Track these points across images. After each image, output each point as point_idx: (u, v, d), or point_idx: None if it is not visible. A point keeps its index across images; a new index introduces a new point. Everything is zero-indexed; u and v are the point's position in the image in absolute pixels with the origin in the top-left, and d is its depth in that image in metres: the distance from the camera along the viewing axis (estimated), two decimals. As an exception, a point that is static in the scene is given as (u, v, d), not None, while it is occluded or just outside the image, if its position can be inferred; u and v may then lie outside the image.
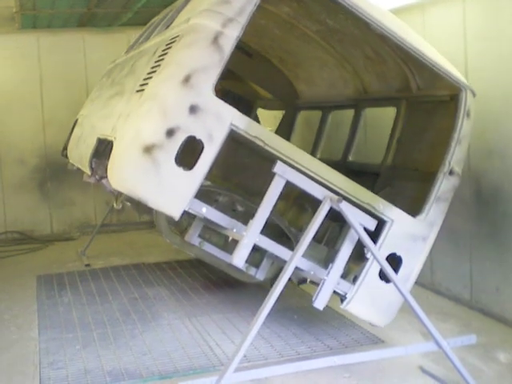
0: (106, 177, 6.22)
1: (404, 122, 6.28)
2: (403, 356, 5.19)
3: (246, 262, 5.98)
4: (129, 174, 4.37)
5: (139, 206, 6.51)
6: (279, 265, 6.09)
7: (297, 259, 4.59)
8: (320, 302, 4.92)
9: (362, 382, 5.03)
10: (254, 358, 5.42)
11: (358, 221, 4.74)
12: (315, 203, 4.75)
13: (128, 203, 6.58)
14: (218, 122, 4.43)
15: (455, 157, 5.30)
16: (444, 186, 5.27)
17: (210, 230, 5.92)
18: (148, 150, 4.29)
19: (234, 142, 6.75)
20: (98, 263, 9.22)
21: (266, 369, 4.75)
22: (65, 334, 6.34)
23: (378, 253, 4.76)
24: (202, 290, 7.56)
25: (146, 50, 5.75)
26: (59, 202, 11.40)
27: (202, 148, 4.39)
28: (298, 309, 4.92)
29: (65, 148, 8.12)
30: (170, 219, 6.14)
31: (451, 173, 5.27)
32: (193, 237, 5.83)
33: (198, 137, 4.37)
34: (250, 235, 4.65)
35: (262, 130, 4.65)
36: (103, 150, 5.48)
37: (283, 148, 4.68)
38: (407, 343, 5.51)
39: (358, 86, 6.94)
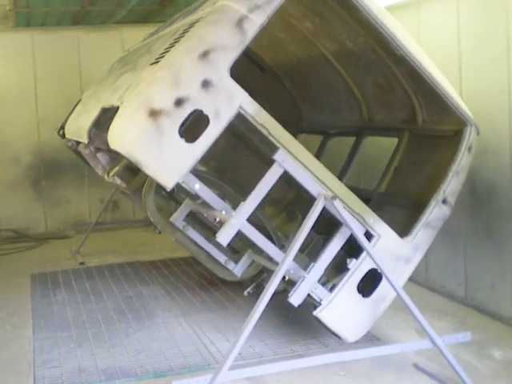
0: (102, 149, 6.20)
1: (404, 153, 6.21)
2: (398, 353, 5.20)
3: (227, 255, 5.98)
4: (130, 135, 4.35)
5: (130, 184, 6.42)
6: (258, 265, 6.07)
7: (292, 254, 4.55)
8: (296, 298, 4.83)
9: (357, 379, 5.03)
10: (248, 356, 5.41)
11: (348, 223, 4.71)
12: (306, 210, 4.71)
13: (118, 179, 6.48)
14: (228, 101, 4.44)
15: (451, 187, 5.29)
16: (435, 214, 5.23)
17: (196, 221, 5.89)
18: (154, 114, 4.29)
19: (235, 137, 6.74)
20: (93, 261, 9.21)
21: (261, 367, 4.75)
22: (59, 333, 6.33)
23: (371, 249, 4.75)
24: (197, 288, 7.55)
25: (166, 34, 5.73)
26: (53, 200, 11.37)
27: (207, 124, 4.39)
28: (292, 307, 4.90)
29: (62, 127, 8.04)
30: (157, 203, 6.09)
31: (444, 202, 5.24)
32: (178, 219, 5.78)
33: (205, 112, 4.37)
34: (239, 216, 4.59)
35: (269, 119, 4.63)
36: (105, 121, 5.48)
37: (286, 141, 4.66)
38: (402, 341, 5.52)
39: (363, 113, 6.85)
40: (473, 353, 5.33)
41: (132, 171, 6.33)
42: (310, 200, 4.76)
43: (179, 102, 4.32)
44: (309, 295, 4.94)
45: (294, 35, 6.64)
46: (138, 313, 6.80)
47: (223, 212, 4.82)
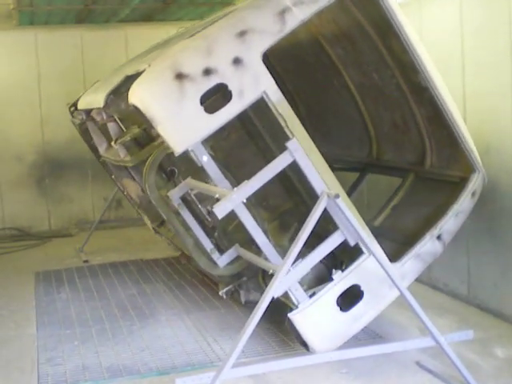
0: (114, 120, 6.18)
1: (405, 193, 6.17)
2: (401, 351, 5.19)
3: (213, 244, 5.95)
4: (152, 92, 4.40)
5: (133, 156, 6.41)
6: (242, 264, 6.04)
7: (297, 250, 4.50)
8: (276, 289, 4.61)
9: (360, 377, 5.03)
10: (251, 354, 5.43)
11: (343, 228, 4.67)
12: (301, 222, 4.68)
13: (123, 150, 6.46)
14: (254, 83, 4.49)
15: (448, 226, 5.24)
16: (428, 247, 5.15)
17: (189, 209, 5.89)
18: (180, 77, 4.34)
19: (248, 135, 6.69)
20: (96, 259, 9.23)
21: (263, 365, 4.76)
22: (63, 330, 6.35)
23: (372, 245, 4.72)
24: (200, 286, 7.56)
25: (204, 23, 5.78)
26: (57, 199, 11.39)
27: (229, 100, 4.43)
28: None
29: (73, 104, 8.17)
30: (157, 183, 6.02)
31: (439, 238, 5.17)
32: (175, 195, 5.74)
33: (230, 87, 4.42)
34: (240, 193, 4.53)
35: (289, 110, 4.65)
36: (126, 90, 5.55)
37: (301, 135, 4.65)
38: (405, 339, 5.52)
39: (372, 151, 6.79)
40: (475, 351, 5.33)
41: (138, 144, 6.32)
42: (305, 213, 4.71)
43: (207, 72, 4.38)
44: (287, 297, 4.85)
45: (322, 61, 6.64)
46: (141, 310, 6.82)
47: (224, 188, 4.78)
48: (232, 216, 6.20)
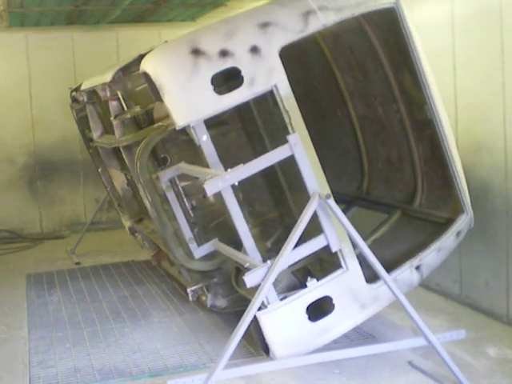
0: (117, 99, 6.22)
1: (388, 228, 6.09)
2: (393, 351, 5.20)
3: (193, 234, 5.93)
4: (166, 61, 4.48)
5: (128, 136, 6.38)
6: (216, 263, 6.03)
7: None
8: (251, 278, 4.52)
9: (352, 377, 5.04)
10: (243, 355, 5.42)
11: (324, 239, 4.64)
12: (284, 233, 4.63)
13: (120, 127, 6.43)
14: (267, 75, 4.54)
15: (428, 260, 5.20)
16: (405, 275, 5.08)
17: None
18: (196, 53, 4.41)
19: (247, 136, 6.65)
20: (88, 261, 9.21)
21: (256, 366, 4.75)
22: (55, 333, 6.33)
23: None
24: (193, 287, 7.54)
25: None
26: (49, 201, 11.35)
27: (240, 85, 4.47)
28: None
29: (75, 89, 8.29)
30: (148, 168, 5.99)
31: (418, 268, 5.11)
32: (165, 176, 5.73)
33: (243, 73, 4.47)
34: (233, 174, 4.48)
35: (296, 108, 4.66)
36: (136, 69, 5.57)
37: (302, 134, 4.64)
38: (397, 339, 5.52)
39: (362, 186, 6.77)
40: (467, 350, 5.34)
41: (137, 125, 6.33)
42: (289, 225, 4.66)
43: (224, 53, 4.45)
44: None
45: (330, 89, 6.66)
46: (133, 312, 6.81)
47: (217, 170, 4.72)
48: (214, 214, 6.19)
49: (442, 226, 5.54)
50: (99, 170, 8.68)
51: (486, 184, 5.99)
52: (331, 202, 4.54)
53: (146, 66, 4.50)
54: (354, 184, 6.85)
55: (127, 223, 8.60)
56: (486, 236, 6.05)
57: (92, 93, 7.39)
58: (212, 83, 4.41)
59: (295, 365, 4.80)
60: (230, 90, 4.48)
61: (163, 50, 4.63)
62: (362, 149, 6.69)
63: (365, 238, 5.36)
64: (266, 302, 4.63)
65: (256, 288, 4.54)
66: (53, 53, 11.09)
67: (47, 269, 8.92)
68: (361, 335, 5.74)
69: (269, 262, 4.52)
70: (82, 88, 7.62)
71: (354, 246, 4.78)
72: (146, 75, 4.50)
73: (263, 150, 6.53)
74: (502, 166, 5.79)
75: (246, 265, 4.66)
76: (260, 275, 4.50)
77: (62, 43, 11.17)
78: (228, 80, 4.52)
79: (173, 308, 6.84)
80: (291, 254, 4.59)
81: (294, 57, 4.79)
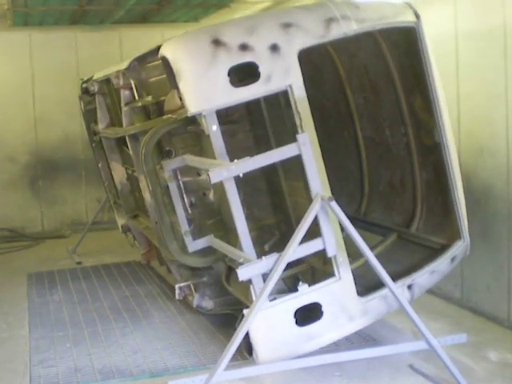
0: (129, 88, 6.36)
1: (383, 249, 6.05)
2: (394, 354, 5.18)
3: (190, 227, 5.94)
4: (186, 47, 4.56)
5: (135, 124, 6.43)
6: (209, 261, 6.03)
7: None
8: (244, 272, 4.50)
9: (353, 380, 5.03)
10: (244, 357, 5.40)
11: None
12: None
13: (130, 114, 6.53)
14: (284, 74, 4.60)
15: (421, 280, 5.18)
16: (396, 293, 4.97)
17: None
18: (217, 43, 4.49)
19: (254, 139, 6.65)
20: (89, 261, 9.21)
21: (256, 367, 4.73)
22: (55, 333, 6.33)
23: (369, 252, 4.72)
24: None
25: None
26: (50, 200, 11.36)
27: (256, 80, 4.53)
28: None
29: (86, 81, 8.38)
30: (154, 155, 6.00)
31: (409, 287, 5.08)
32: (169, 165, 5.81)
33: (260, 69, 4.53)
34: (240, 165, 4.51)
35: (308, 111, 4.70)
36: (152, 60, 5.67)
37: (311, 136, 4.68)
38: (398, 342, 5.50)
39: (361, 208, 6.77)
40: (468, 354, 5.34)
41: (146, 115, 6.36)
42: (285, 232, 4.63)
43: (244, 47, 4.52)
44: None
45: (340, 109, 6.68)
46: (134, 312, 6.80)
47: (222, 160, 4.75)
48: (212, 213, 6.19)
49: (437, 251, 5.54)
50: (99, 164, 8.80)
51: (488, 187, 5.98)
52: (334, 204, 4.55)
53: (166, 50, 4.57)
54: (352, 205, 6.84)
55: (121, 221, 8.69)
56: (487, 239, 6.05)
57: (103, 83, 7.51)
58: (228, 75, 4.46)
59: (296, 366, 4.80)
60: (246, 84, 4.53)
61: (184, 37, 4.70)
62: (365, 170, 6.71)
63: (358, 257, 5.42)
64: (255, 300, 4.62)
65: (245, 287, 4.53)
66: (56, 52, 11.10)
67: (48, 268, 8.92)
68: (362, 338, 5.74)
69: (264, 258, 4.54)
70: (95, 77, 7.72)
71: (352, 255, 4.80)
72: (164, 60, 4.57)
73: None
74: (505, 169, 5.79)
75: (241, 260, 4.67)
76: (253, 270, 4.52)
77: (65, 43, 11.18)
78: (243, 78, 4.56)
79: (174, 308, 6.84)
80: (287, 253, 4.60)
81: (308, 74, 4.80)
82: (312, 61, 4.91)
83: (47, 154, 11.24)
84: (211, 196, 6.20)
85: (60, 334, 6.27)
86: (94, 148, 8.87)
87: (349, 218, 6.14)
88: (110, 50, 11.04)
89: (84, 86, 8.48)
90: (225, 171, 4.45)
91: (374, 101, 6.22)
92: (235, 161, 4.52)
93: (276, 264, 4.53)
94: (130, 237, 8.47)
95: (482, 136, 6.03)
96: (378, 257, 5.73)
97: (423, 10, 6.63)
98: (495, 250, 5.96)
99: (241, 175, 4.52)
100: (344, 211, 4.80)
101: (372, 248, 5.86)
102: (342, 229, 4.86)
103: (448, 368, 4.72)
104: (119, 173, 8.17)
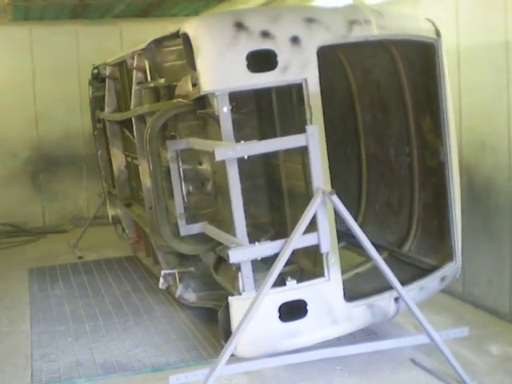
0: (143, 70, 6.47)
1: (373, 266, 5.80)
2: (395, 348, 5.16)
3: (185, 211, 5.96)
4: (208, 26, 4.61)
5: (144, 105, 6.46)
6: (200, 250, 6.04)
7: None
8: (235, 254, 4.55)
9: (354, 374, 5.04)
10: (246, 351, 5.41)
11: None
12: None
13: (139, 96, 6.61)
14: (301, 67, 4.63)
15: (409, 295, 5.08)
16: (382, 303, 4.99)
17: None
18: (239, 27, 4.54)
19: (260, 137, 6.63)
20: (91, 256, 9.22)
21: (258, 361, 4.73)
22: (57, 327, 6.34)
23: (371, 247, 4.72)
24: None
25: None
26: (51, 195, 11.36)
27: (273, 68, 4.56)
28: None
29: (97, 67, 8.60)
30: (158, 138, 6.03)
31: (396, 300, 5.00)
32: (172, 146, 5.84)
33: (278, 58, 4.56)
34: (245, 148, 4.56)
35: (319, 107, 4.71)
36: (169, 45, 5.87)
37: (320, 131, 4.70)
38: (400, 336, 5.50)
39: None
40: (470, 348, 5.34)
41: (156, 96, 6.39)
42: (279, 233, 4.61)
43: (265, 34, 4.55)
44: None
45: (346, 125, 6.67)
46: (135, 307, 6.81)
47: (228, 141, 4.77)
48: (207, 203, 6.20)
49: (426, 271, 5.53)
50: (99, 152, 8.97)
51: (490, 182, 5.98)
52: (335, 198, 4.55)
53: (187, 27, 4.61)
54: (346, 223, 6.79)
55: (112, 212, 8.87)
56: (489, 234, 6.04)
57: (116, 66, 7.60)
58: (246, 59, 4.48)
59: (298, 360, 4.79)
60: (262, 71, 4.56)
61: (207, 17, 4.77)
62: (364, 188, 6.69)
63: (346, 271, 5.42)
64: (241, 289, 4.65)
65: (233, 277, 4.60)
66: (56, 47, 11.06)
67: (50, 263, 8.92)
68: (363, 332, 5.72)
69: (257, 243, 4.60)
70: (108, 60, 7.84)
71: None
72: (184, 36, 4.60)
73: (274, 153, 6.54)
74: (506, 164, 5.78)
75: (233, 245, 4.68)
76: (245, 253, 4.58)
77: (65, 37, 11.14)
78: (260, 66, 4.59)
79: (175, 303, 6.83)
80: (279, 242, 4.66)
81: (322, 89, 4.80)
82: (327, 77, 4.92)
83: (48, 149, 11.23)
84: (209, 187, 6.21)
85: (61, 329, 6.28)
86: (95, 135, 8.99)
87: (342, 233, 6.17)
88: (110, 45, 10.99)
89: (95, 71, 8.61)
90: (230, 151, 4.51)
91: (382, 119, 6.23)
92: (242, 142, 4.57)
93: (282, 250, 4.57)
94: (120, 228, 8.55)
95: (484, 131, 6.02)
96: (366, 272, 5.82)
97: (424, 2, 6.64)
98: (497, 244, 5.96)
99: (246, 157, 4.57)
100: (338, 227, 4.88)
101: (361, 263, 5.94)
102: (340, 240, 4.94)
103: (450, 362, 4.72)
104: (118, 160, 8.31)
